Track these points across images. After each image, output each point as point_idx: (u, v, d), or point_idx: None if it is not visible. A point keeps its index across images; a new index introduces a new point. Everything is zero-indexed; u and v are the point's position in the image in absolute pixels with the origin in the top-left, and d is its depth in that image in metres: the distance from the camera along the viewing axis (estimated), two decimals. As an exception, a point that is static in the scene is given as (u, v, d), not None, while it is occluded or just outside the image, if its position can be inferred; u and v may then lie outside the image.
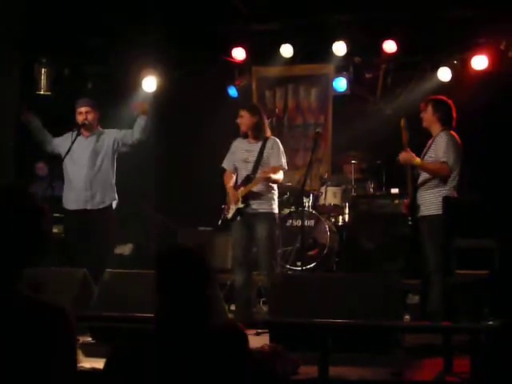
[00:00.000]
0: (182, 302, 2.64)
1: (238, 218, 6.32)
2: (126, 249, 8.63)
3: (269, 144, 6.41)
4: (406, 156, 5.97)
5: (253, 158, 6.38)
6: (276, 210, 6.44)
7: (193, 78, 8.97)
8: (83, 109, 6.72)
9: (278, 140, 6.51)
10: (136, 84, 8.86)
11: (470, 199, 5.92)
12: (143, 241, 8.88)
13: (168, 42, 8.81)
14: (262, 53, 9.09)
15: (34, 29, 7.73)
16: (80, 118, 6.69)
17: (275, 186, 6.44)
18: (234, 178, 6.43)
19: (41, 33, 7.89)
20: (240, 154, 6.46)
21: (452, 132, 5.99)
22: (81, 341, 5.30)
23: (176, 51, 8.91)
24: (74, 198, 6.70)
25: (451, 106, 6.04)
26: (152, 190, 9.43)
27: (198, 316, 2.64)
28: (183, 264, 2.68)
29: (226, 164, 6.57)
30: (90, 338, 5.35)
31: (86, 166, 6.68)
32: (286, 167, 6.43)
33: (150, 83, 8.88)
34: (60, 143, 6.77)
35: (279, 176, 6.36)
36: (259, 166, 6.33)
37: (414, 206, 6.02)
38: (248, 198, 6.30)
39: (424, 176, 6.01)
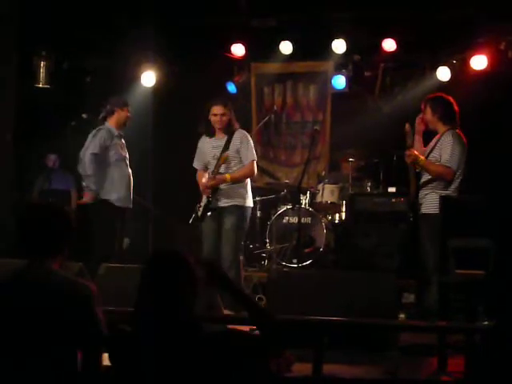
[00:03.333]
0: (167, 304, 2.67)
1: (209, 214, 6.31)
2: (124, 243, 8.62)
3: (236, 137, 6.38)
4: (410, 156, 5.91)
5: (220, 153, 6.37)
6: (248, 204, 6.39)
7: (192, 74, 8.95)
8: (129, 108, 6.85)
9: (245, 132, 6.48)
10: (135, 78, 8.86)
11: (467, 199, 5.92)
12: (139, 236, 8.88)
13: (167, 36, 8.80)
14: (262, 49, 9.08)
15: (34, 21, 7.71)
16: (127, 117, 6.82)
17: (247, 180, 6.42)
18: (207, 175, 6.40)
19: (40, 26, 7.87)
20: (208, 152, 6.45)
21: (458, 131, 5.91)
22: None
23: (175, 46, 8.90)
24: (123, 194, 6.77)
25: (450, 101, 5.95)
26: (149, 185, 9.42)
27: (179, 317, 2.68)
28: (172, 267, 2.72)
29: (196, 164, 6.59)
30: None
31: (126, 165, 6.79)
32: (256, 158, 6.42)
33: (148, 78, 8.88)
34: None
35: (251, 172, 6.37)
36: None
37: (415, 204, 6.00)
38: (216, 194, 6.29)
39: (425, 176, 5.99)
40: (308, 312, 4.63)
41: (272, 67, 9.31)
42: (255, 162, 6.39)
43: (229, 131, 6.38)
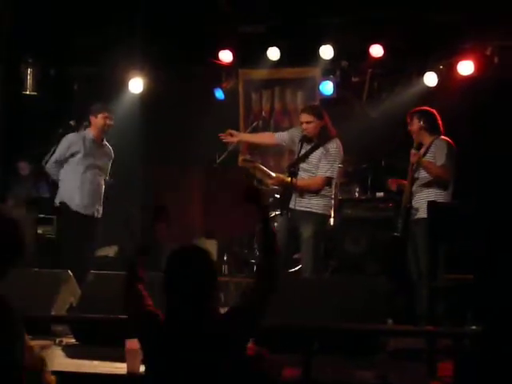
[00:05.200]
0: (190, 302, 2.78)
1: None
2: (110, 251, 8.60)
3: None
4: (415, 155, 6.03)
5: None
6: None
7: (180, 80, 8.95)
8: (109, 114, 6.84)
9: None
10: (122, 85, 8.85)
11: (454, 203, 5.97)
12: (128, 243, 8.86)
13: (155, 43, 8.79)
14: (249, 55, 9.08)
15: (21, 28, 7.70)
16: (107, 122, 6.79)
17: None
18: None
19: (27, 33, 7.86)
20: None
21: (447, 138, 6.11)
22: (64, 342, 5.30)
23: (163, 53, 8.90)
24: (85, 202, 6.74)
25: (435, 114, 6.17)
26: (138, 191, 9.40)
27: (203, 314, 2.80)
28: (193, 264, 2.76)
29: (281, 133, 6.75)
30: (74, 340, 5.33)
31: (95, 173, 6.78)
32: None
33: (136, 84, 8.87)
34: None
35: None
36: None
37: (408, 210, 6.06)
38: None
39: (422, 181, 6.06)
40: (297, 317, 4.63)
41: (260, 73, 9.31)
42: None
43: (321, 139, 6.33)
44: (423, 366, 4.46)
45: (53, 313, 5.43)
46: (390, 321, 5.86)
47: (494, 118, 7.93)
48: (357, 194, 8.21)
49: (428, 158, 6.06)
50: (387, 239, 7.16)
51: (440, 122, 6.15)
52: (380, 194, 7.89)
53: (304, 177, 6.30)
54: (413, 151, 6.07)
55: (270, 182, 6.66)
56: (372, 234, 7.61)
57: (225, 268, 8.22)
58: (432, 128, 6.13)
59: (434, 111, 6.18)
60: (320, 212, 6.28)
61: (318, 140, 6.33)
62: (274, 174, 6.58)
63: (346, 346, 4.69)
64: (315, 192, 6.25)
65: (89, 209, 6.74)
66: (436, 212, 5.68)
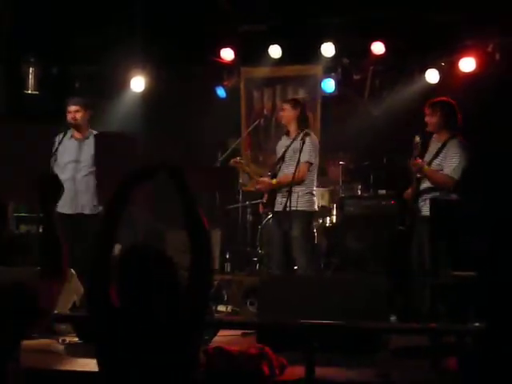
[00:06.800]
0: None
1: None
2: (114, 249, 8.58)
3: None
4: (416, 165, 5.87)
5: None
6: None
7: (181, 79, 8.95)
8: (72, 108, 6.61)
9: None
10: (124, 84, 8.85)
11: (457, 200, 5.94)
12: (131, 242, 8.85)
13: (156, 41, 8.79)
14: (251, 53, 9.08)
15: (22, 27, 7.70)
16: (69, 117, 6.60)
17: None
18: None
19: (29, 32, 7.86)
20: None
21: (462, 139, 5.91)
22: (67, 341, 5.31)
23: (164, 51, 8.89)
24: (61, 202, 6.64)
25: (456, 107, 5.96)
26: (139, 190, 9.39)
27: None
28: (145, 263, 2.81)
29: None
30: (77, 339, 5.34)
31: (73, 168, 6.60)
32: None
33: (138, 83, 8.87)
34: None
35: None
36: None
37: (413, 208, 5.99)
38: None
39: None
40: (299, 315, 4.63)
41: (261, 71, 9.31)
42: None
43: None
44: (425, 363, 4.46)
45: (56, 311, 5.43)
46: (393, 318, 5.88)
47: (496, 114, 7.91)
48: (359, 192, 8.21)
49: (439, 160, 5.88)
50: (390, 236, 7.17)
51: (460, 116, 5.93)
52: (382, 192, 7.89)
53: (286, 172, 6.45)
54: (413, 162, 5.85)
55: (257, 186, 6.78)
56: (374, 232, 7.61)
57: (227, 266, 8.22)
58: (453, 123, 5.89)
59: (455, 103, 5.94)
60: (305, 210, 6.40)
61: (294, 132, 6.54)
62: (261, 179, 6.68)
63: (349, 343, 4.69)
64: (301, 181, 6.38)
65: (68, 208, 6.46)
66: (439, 209, 5.67)
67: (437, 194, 5.90)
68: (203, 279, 2.87)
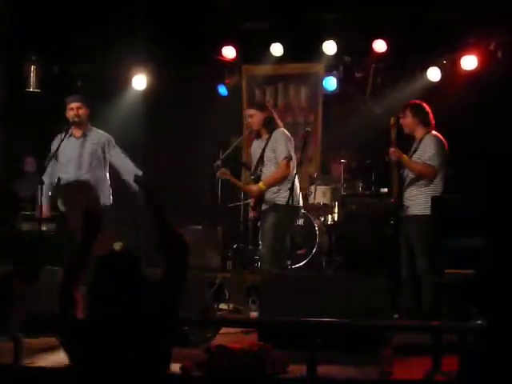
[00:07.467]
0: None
1: None
2: (116, 246, 8.59)
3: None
4: (395, 152, 6.05)
5: None
6: None
7: (183, 77, 8.96)
8: (74, 104, 6.62)
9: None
10: (125, 82, 8.85)
11: (458, 199, 5.96)
12: (133, 239, 8.86)
13: (158, 40, 8.79)
14: (252, 51, 9.08)
15: (24, 26, 7.70)
16: (71, 114, 6.60)
17: None
18: None
19: (30, 30, 7.86)
20: None
21: (437, 134, 6.13)
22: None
23: (166, 50, 8.90)
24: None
25: (426, 107, 6.18)
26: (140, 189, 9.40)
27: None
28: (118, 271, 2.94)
29: None
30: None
31: (75, 166, 6.62)
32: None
33: (139, 81, 8.88)
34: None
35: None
36: None
37: (398, 206, 6.08)
38: None
39: (411, 176, 6.07)
40: (301, 313, 4.63)
41: (263, 69, 9.31)
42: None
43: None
44: (427, 361, 4.46)
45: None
46: (395, 316, 5.87)
47: (498, 112, 7.91)
48: (360, 190, 8.21)
49: (418, 155, 6.08)
50: (390, 235, 7.16)
51: (431, 115, 6.17)
52: (384, 190, 7.89)
53: (267, 174, 6.46)
54: (392, 149, 6.09)
55: (251, 195, 6.80)
56: (375, 230, 7.61)
57: (229, 264, 8.21)
58: (425, 121, 6.14)
59: (426, 104, 6.21)
60: (280, 203, 6.35)
61: (266, 134, 6.51)
62: (248, 187, 6.71)
63: (351, 342, 4.69)
64: (285, 178, 6.38)
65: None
66: (439, 207, 5.67)
67: (420, 190, 5.97)
68: (173, 276, 3.02)
